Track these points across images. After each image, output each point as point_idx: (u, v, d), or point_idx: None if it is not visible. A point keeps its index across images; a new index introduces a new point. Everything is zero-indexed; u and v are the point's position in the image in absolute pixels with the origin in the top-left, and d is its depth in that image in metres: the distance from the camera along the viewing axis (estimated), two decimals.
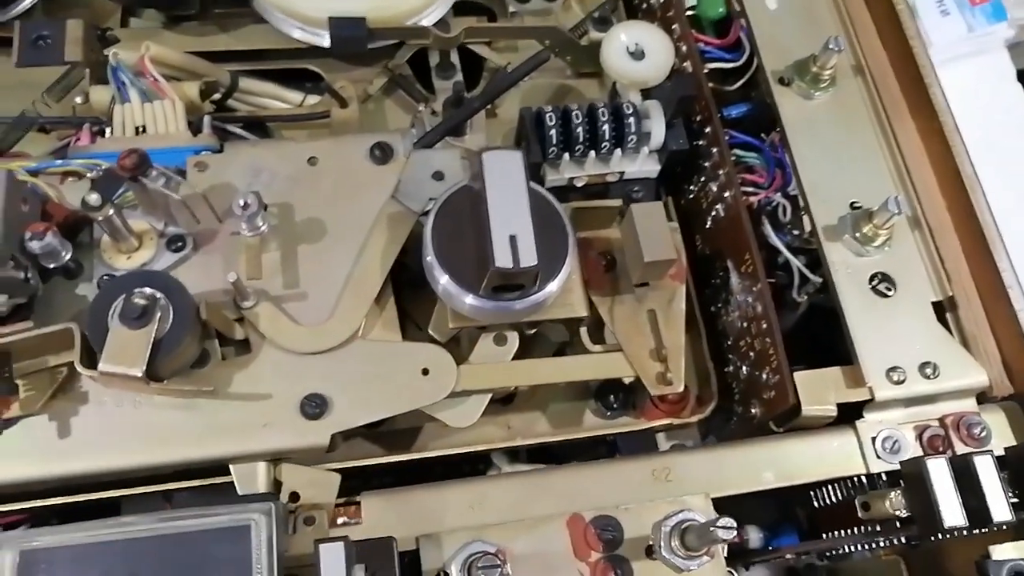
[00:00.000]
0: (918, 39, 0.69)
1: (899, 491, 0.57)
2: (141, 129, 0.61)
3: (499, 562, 0.48)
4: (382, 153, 0.60)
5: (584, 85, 0.76)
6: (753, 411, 0.63)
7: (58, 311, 0.54)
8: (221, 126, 0.64)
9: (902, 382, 0.59)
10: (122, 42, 0.69)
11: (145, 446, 0.52)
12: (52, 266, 0.54)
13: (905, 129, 0.69)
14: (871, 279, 0.62)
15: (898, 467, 0.58)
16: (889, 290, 0.62)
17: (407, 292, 0.60)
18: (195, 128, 0.62)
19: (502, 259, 0.49)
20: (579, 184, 0.67)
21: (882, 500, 0.57)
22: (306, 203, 0.59)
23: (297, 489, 0.53)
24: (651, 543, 0.54)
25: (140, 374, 0.48)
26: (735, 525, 0.48)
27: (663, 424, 0.63)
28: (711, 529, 0.49)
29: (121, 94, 0.62)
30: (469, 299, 0.53)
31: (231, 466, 0.52)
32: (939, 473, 0.54)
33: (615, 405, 0.63)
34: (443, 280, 0.53)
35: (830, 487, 0.62)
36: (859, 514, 0.58)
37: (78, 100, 0.66)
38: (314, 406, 0.53)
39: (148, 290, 0.50)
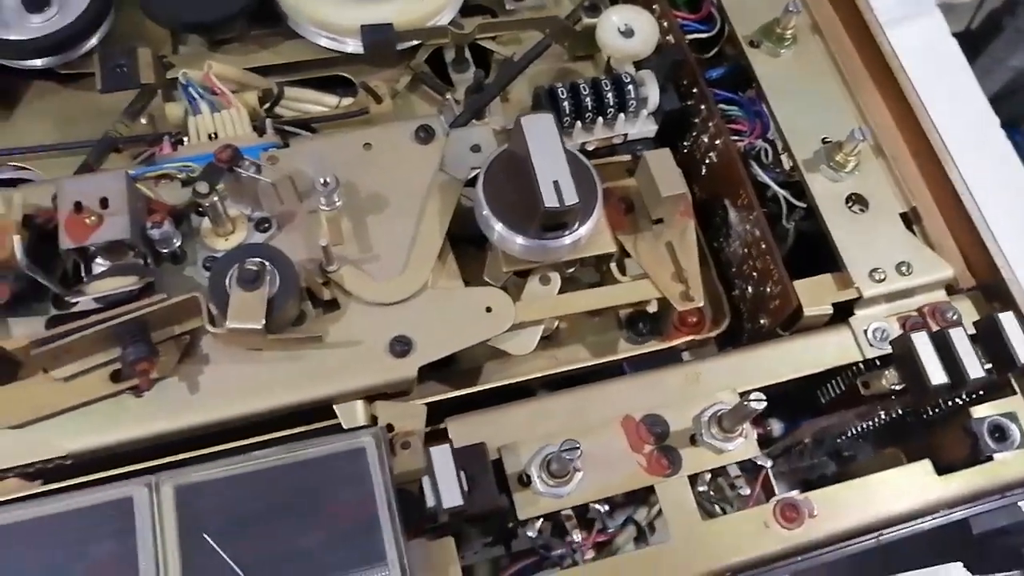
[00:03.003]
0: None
1: (892, 368, 0.68)
2: (214, 135, 0.71)
3: (577, 445, 0.58)
4: (425, 134, 0.70)
5: (580, 67, 0.86)
6: (762, 322, 0.74)
7: (172, 290, 0.63)
8: (280, 127, 0.73)
9: (883, 280, 0.70)
10: (176, 66, 0.79)
11: (260, 394, 0.62)
12: (164, 251, 0.63)
13: (858, 75, 0.81)
14: (847, 200, 0.73)
15: (889, 351, 0.69)
16: (863, 208, 0.73)
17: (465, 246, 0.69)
18: (259, 130, 0.71)
19: (550, 199, 0.59)
20: (590, 148, 0.77)
21: (879, 378, 0.69)
22: (367, 181, 0.69)
23: (391, 421, 0.63)
24: (693, 433, 0.65)
25: (260, 327, 0.58)
26: (763, 396, 0.59)
27: (686, 342, 0.73)
28: (744, 403, 0.59)
29: (192, 107, 0.72)
30: (520, 239, 0.63)
31: (335, 406, 0.62)
32: (922, 342, 0.65)
33: (644, 331, 0.74)
34: (498, 227, 0.63)
35: (834, 381, 0.73)
36: (861, 392, 0.69)
37: (143, 121, 0.75)
38: (401, 345, 0.63)
39: (257, 259, 0.59)
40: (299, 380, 0.62)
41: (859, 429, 0.74)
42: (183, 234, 0.65)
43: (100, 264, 0.61)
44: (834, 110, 0.77)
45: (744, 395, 0.62)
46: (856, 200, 0.73)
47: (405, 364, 0.63)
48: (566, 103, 0.74)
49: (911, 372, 0.65)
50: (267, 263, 0.60)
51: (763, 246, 0.71)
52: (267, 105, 0.77)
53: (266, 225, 0.66)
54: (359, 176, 0.69)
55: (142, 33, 0.80)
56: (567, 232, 0.63)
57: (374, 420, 0.63)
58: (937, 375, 0.63)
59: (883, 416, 0.71)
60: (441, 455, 0.56)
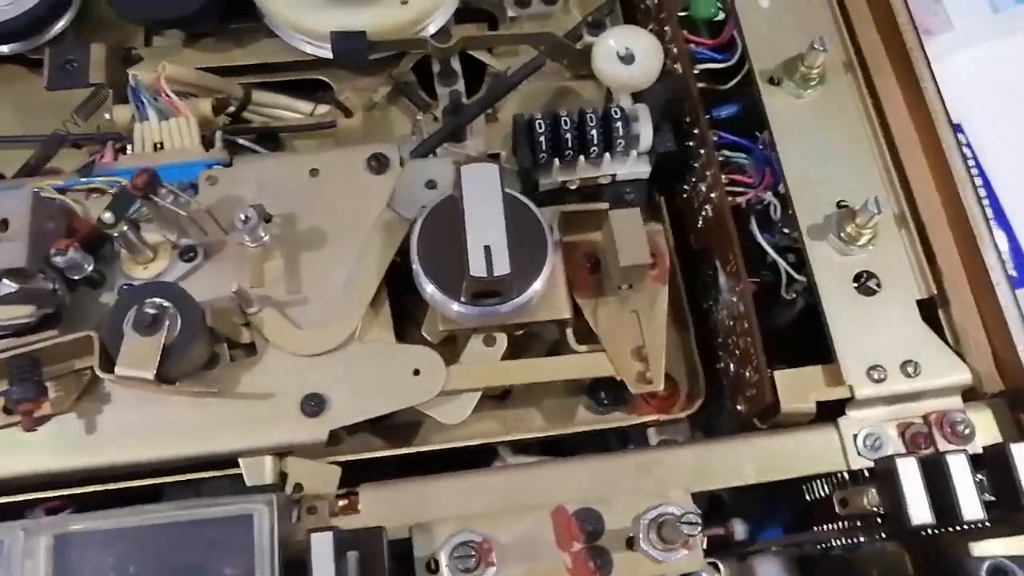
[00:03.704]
0: (910, 29, 0.69)
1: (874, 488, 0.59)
2: (159, 145, 0.66)
3: (474, 553, 0.51)
4: (378, 163, 0.64)
5: (581, 87, 0.78)
6: (739, 407, 0.65)
7: (85, 318, 0.59)
8: (232, 139, 0.68)
9: (883, 380, 0.60)
10: (145, 60, 0.74)
11: (162, 441, 0.57)
12: (77, 277, 0.59)
13: (900, 123, 0.69)
14: (856, 277, 0.63)
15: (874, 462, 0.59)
16: (874, 289, 0.63)
17: (411, 294, 0.63)
18: (208, 143, 0.66)
19: (477, 268, 0.52)
20: (572, 187, 0.69)
21: (860, 496, 0.59)
22: (308, 212, 0.63)
23: (301, 480, 0.58)
24: (632, 535, 0.57)
25: (151, 377, 0.53)
26: (699, 520, 0.51)
27: (652, 420, 0.65)
28: (677, 522, 0.52)
29: (140, 113, 0.67)
30: (455, 306, 0.56)
31: (240, 459, 0.57)
32: (908, 470, 0.55)
33: (606, 401, 0.66)
34: (429, 288, 0.56)
35: (818, 482, 0.64)
36: (836, 509, 0.60)
37: (107, 116, 0.71)
38: (314, 404, 0.57)
39: (158, 300, 0.54)
40: (201, 430, 0.57)
41: (840, 543, 0.64)
42: (105, 256, 0.61)
43: (6, 286, 0.57)
44: (858, 166, 0.66)
45: (696, 496, 0.54)
46: (867, 279, 0.63)
47: (315, 425, 0.57)
48: (543, 138, 0.66)
49: (892, 501, 0.55)
50: (169, 305, 0.55)
51: (746, 325, 0.62)
52: (229, 109, 0.72)
53: (191, 254, 0.61)
54: (301, 205, 0.63)
55: (116, 23, 0.76)
56: (503, 300, 0.56)
57: (283, 478, 0.58)
58: (920, 514, 0.53)
59: (862, 538, 0.62)
60: (320, 544, 0.50)
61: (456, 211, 0.56)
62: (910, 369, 0.60)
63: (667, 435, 0.68)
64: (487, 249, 0.52)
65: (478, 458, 0.68)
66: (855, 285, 0.63)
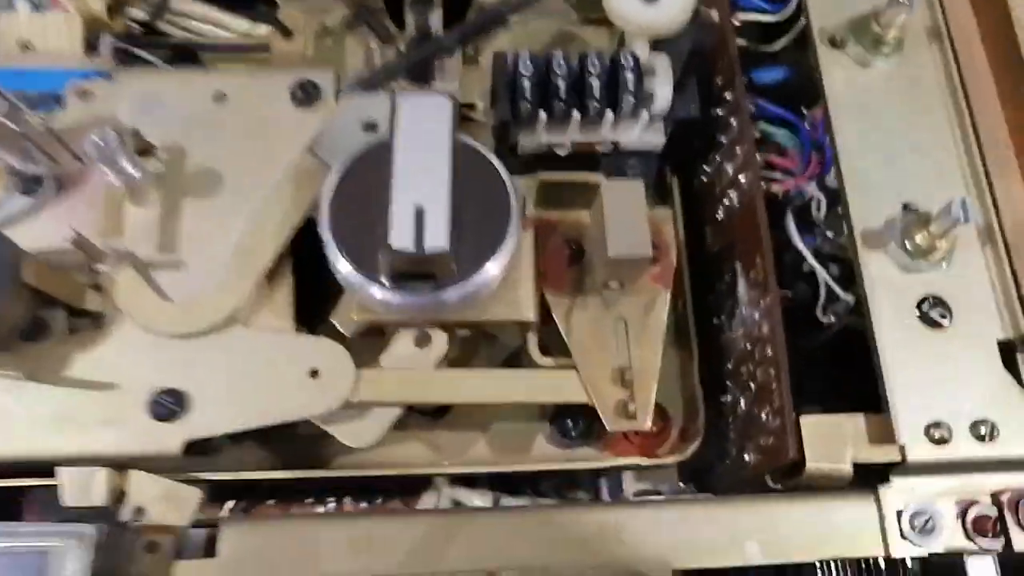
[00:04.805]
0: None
1: None
2: (28, 46, 0.51)
3: None
4: (305, 94, 0.48)
5: (591, 34, 0.62)
6: (747, 457, 0.49)
7: None
8: (128, 48, 0.53)
9: (945, 442, 0.45)
10: None
11: None
12: None
13: (989, 115, 0.53)
14: (920, 303, 0.47)
15: (928, 555, 0.44)
16: (943, 319, 0.47)
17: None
18: (91, 48, 0.51)
19: (399, 238, 0.36)
20: (562, 153, 0.53)
21: None
22: (205, 149, 0.47)
23: (144, 504, 0.43)
24: None
25: None
26: None
27: (631, 463, 0.50)
28: None
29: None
30: (376, 290, 0.41)
31: (57, 469, 0.41)
32: (982, 572, 0.40)
33: (574, 432, 0.50)
34: (343, 267, 0.40)
35: (841, 570, 0.48)
36: None
37: None
38: (167, 404, 0.42)
39: None
40: (12, 424, 0.42)
41: None
42: None
43: None
44: (934, 162, 0.51)
45: None
46: (935, 306, 0.47)
47: (166, 433, 0.42)
48: (527, 80, 0.50)
49: None
50: None
51: (768, 352, 0.47)
52: (138, 16, 0.56)
53: (35, 187, 0.45)
54: (196, 138, 0.48)
55: None
56: (439, 286, 0.40)
57: (119, 498, 0.43)
58: None
59: None
60: None
61: (388, 165, 0.40)
62: (983, 429, 0.45)
63: (649, 483, 0.53)
64: (418, 212, 0.37)
65: (411, 490, 0.53)
66: (920, 313, 0.47)
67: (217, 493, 0.48)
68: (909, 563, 0.45)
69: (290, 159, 0.47)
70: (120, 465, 0.43)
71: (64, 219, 0.44)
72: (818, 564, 0.47)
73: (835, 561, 0.46)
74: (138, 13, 0.57)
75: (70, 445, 0.42)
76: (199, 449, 0.45)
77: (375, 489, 0.52)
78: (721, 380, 0.53)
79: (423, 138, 0.38)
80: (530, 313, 0.45)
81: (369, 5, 0.61)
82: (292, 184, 0.46)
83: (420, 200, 0.37)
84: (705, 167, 0.57)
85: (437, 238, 0.37)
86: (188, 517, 0.43)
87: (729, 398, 0.53)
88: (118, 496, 0.43)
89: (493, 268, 0.41)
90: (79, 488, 0.42)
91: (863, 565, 0.46)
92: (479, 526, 0.44)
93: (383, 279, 0.40)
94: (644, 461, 0.49)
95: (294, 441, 0.49)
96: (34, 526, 0.39)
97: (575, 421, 0.50)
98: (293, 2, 0.60)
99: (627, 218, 0.42)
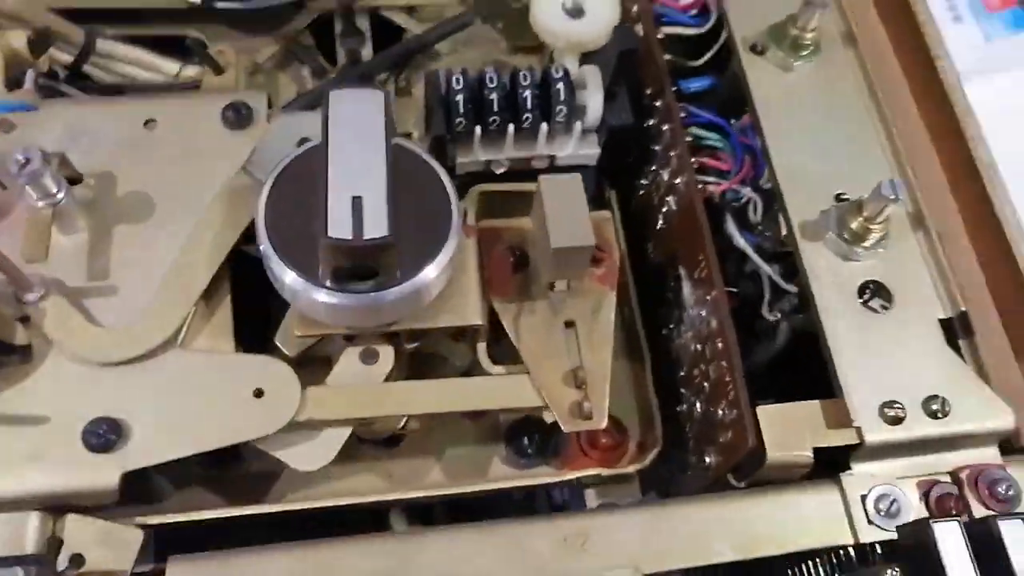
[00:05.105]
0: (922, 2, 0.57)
1: (897, 569, 0.42)
2: None
3: None
4: (238, 116, 0.48)
5: (520, 61, 0.63)
6: (707, 460, 0.49)
7: None
8: (52, 85, 0.52)
9: (900, 421, 0.45)
10: None
11: None
12: None
13: (904, 110, 0.56)
14: (861, 290, 0.48)
15: (896, 535, 0.43)
16: (885, 304, 0.48)
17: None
18: (14, 84, 0.50)
19: (338, 227, 0.35)
20: (499, 171, 0.54)
21: None
22: (135, 174, 0.46)
23: (82, 550, 0.40)
24: None
25: None
26: None
27: (591, 475, 0.48)
28: None
29: None
30: (318, 294, 0.39)
31: None
32: (951, 542, 0.39)
33: (530, 450, 0.49)
34: (280, 273, 0.39)
35: (812, 563, 0.47)
36: None
37: None
38: (102, 433, 0.39)
39: None
40: None
41: None
42: None
43: None
44: (860, 155, 0.53)
45: None
46: (876, 292, 0.48)
47: (103, 465, 0.39)
48: (460, 96, 0.51)
49: None
50: None
51: (719, 344, 0.47)
52: (63, 59, 0.56)
53: None
54: (126, 164, 0.46)
55: None
56: (381, 285, 0.39)
57: (55, 545, 0.40)
58: None
59: None
60: None
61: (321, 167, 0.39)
62: (935, 407, 0.45)
63: (611, 496, 0.51)
64: (356, 202, 0.36)
65: (372, 523, 0.51)
66: (863, 299, 0.48)
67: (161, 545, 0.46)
68: (879, 549, 0.45)
69: (222, 177, 0.46)
70: (58, 508, 0.40)
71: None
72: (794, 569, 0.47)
73: (811, 556, 0.46)
74: (62, 56, 0.56)
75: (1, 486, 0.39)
76: (143, 496, 0.43)
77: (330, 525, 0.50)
78: (675, 390, 0.53)
79: (357, 130, 0.38)
80: (477, 318, 0.44)
81: (300, 41, 0.61)
82: (226, 204, 0.45)
83: (357, 190, 0.36)
84: (642, 181, 0.58)
85: (377, 226, 0.36)
86: (130, 561, 0.40)
87: (684, 406, 0.52)
88: (54, 543, 0.40)
89: (435, 269, 0.40)
90: (10, 535, 0.39)
91: (836, 556, 0.46)
92: (441, 544, 0.42)
93: (325, 280, 0.39)
94: (606, 471, 0.48)
95: (244, 482, 0.47)
96: None
97: (531, 438, 0.49)
98: (223, 40, 0.60)
99: (567, 210, 0.42)
